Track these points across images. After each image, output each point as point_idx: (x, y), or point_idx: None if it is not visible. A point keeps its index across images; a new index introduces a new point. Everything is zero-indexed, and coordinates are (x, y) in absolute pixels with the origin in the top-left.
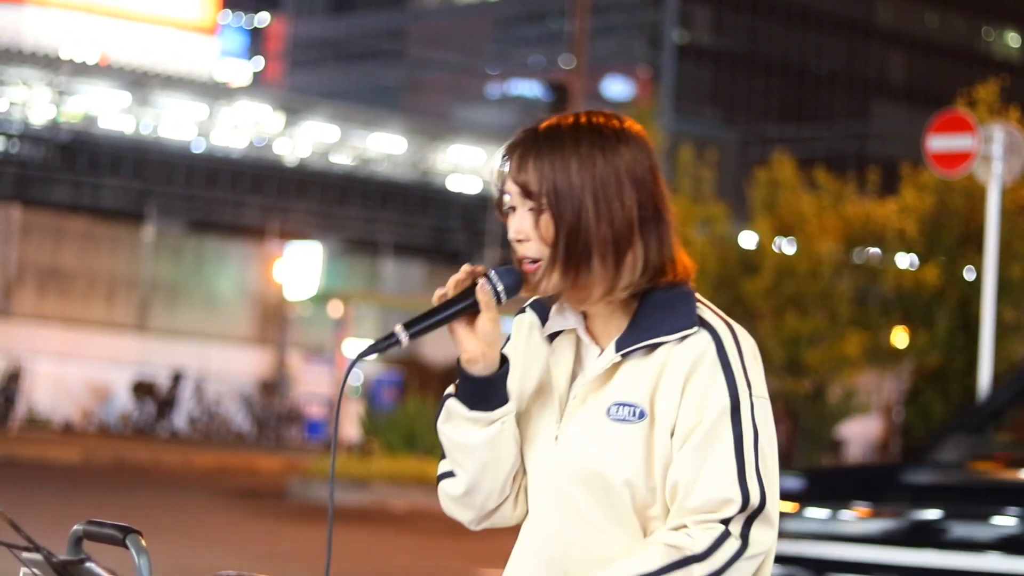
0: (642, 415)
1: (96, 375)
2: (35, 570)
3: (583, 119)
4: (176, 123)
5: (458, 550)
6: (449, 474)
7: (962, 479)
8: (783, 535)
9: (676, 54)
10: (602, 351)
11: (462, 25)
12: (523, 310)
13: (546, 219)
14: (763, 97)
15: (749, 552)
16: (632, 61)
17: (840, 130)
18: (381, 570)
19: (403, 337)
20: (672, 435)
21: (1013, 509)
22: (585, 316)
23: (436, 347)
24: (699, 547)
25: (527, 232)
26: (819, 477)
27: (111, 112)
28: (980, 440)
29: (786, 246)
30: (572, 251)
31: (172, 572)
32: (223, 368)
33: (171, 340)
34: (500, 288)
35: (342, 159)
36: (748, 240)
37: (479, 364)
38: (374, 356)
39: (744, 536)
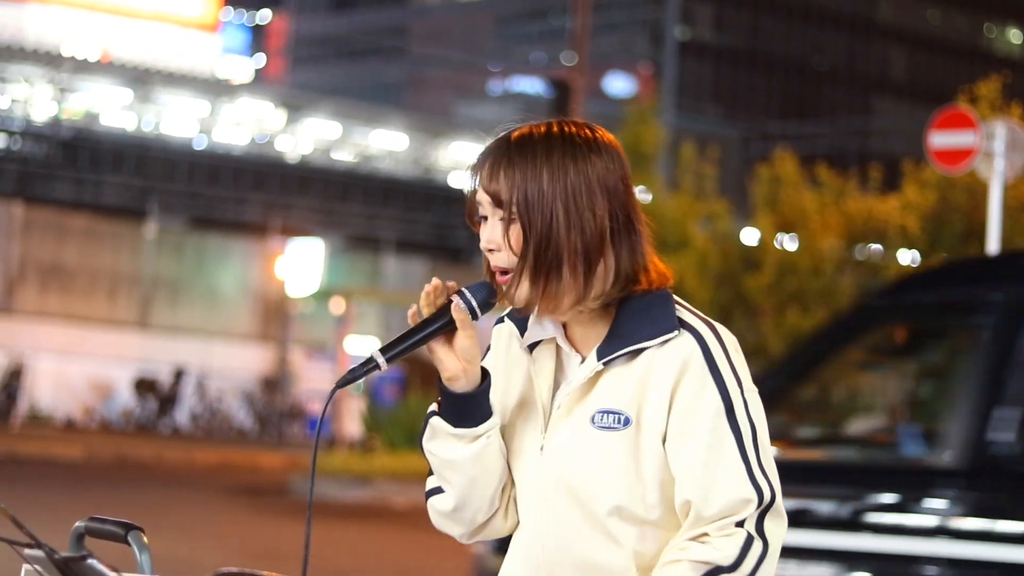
0: (627, 422)
1: (98, 372)
2: (37, 567)
3: (555, 128)
4: (178, 120)
5: (460, 547)
6: (437, 490)
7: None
8: None
9: (678, 51)
10: (583, 359)
11: (464, 22)
12: (501, 319)
13: (516, 229)
14: (765, 94)
15: (771, 549)
16: (634, 58)
17: (842, 127)
18: (383, 566)
19: (381, 362)
20: (664, 441)
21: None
22: (564, 325)
23: None
24: (727, 558)
25: (498, 242)
26: None
27: (113, 109)
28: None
29: (788, 243)
30: (541, 261)
31: (174, 569)
32: (225, 365)
33: (173, 337)
34: (475, 304)
35: (344, 156)
36: (750, 237)
37: (460, 381)
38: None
39: (761, 533)
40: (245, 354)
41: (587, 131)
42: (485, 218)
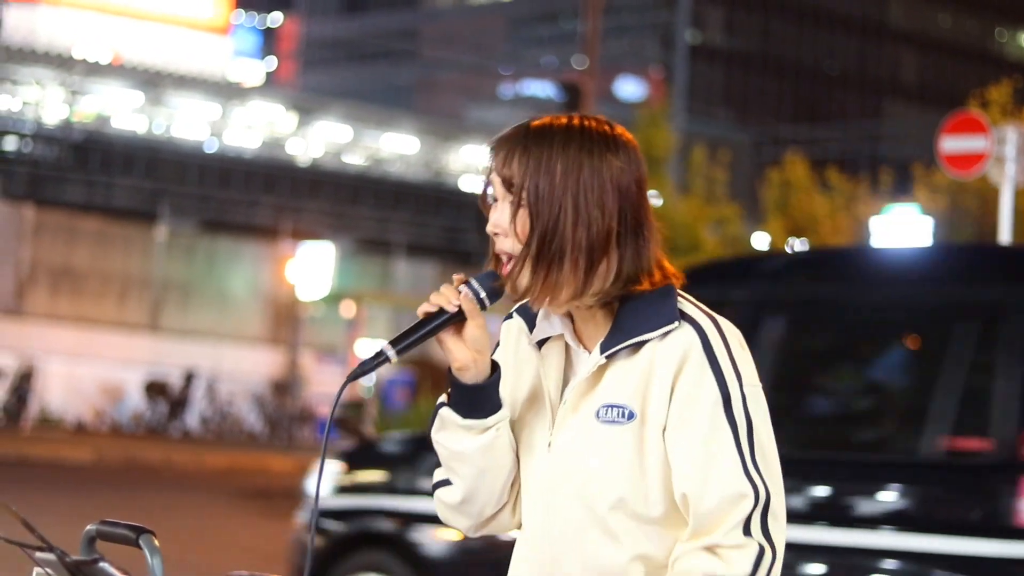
0: (631, 416)
1: (108, 375)
2: (49, 570)
3: (575, 122)
4: (189, 123)
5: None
6: (445, 483)
7: None
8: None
9: (689, 54)
10: (590, 355)
11: (475, 25)
12: (510, 315)
13: (524, 216)
14: (776, 98)
15: (778, 555)
16: (645, 62)
17: (853, 131)
18: None
19: (391, 354)
20: (664, 433)
21: None
22: (572, 321)
23: None
24: (739, 573)
25: (504, 227)
26: (412, 441)
27: (124, 112)
28: None
29: (799, 247)
30: (544, 251)
31: (184, 572)
32: (235, 368)
33: (183, 340)
34: (483, 294)
35: (355, 159)
36: (761, 241)
37: (470, 372)
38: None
39: (769, 540)
40: (255, 357)
41: (606, 128)
42: (495, 201)
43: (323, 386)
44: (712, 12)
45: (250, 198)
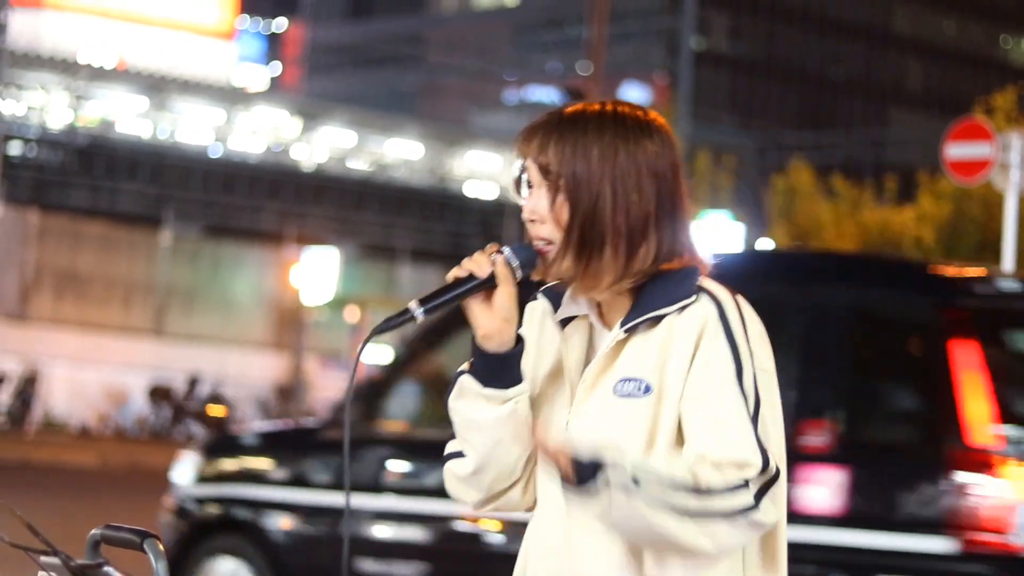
0: (647, 389)
1: (112, 379)
2: (53, 574)
3: (609, 108)
4: (193, 128)
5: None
6: (457, 455)
7: (355, 435)
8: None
9: (693, 61)
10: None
11: (480, 31)
12: (535, 297)
13: (561, 201)
14: (780, 104)
15: (756, 516)
16: (649, 67)
17: (857, 137)
18: None
19: (418, 313)
20: (680, 404)
21: (384, 455)
22: (598, 302)
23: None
24: (717, 485)
25: (542, 214)
26: (266, 435)
27: (128, 117)
28: (377, 404)
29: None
30: (586, 238)
31: None
32: (240, 373)
33: (188, 345)
34: (515, 264)
35: (359, 164)
36: (765, 247)
37: (494, 340)
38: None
39: (757, 498)
40: (260, 362)
41: (640, 113)
42: (530, 187)
43: (327, 391)
44: (717, 18)
45: (254, 203)
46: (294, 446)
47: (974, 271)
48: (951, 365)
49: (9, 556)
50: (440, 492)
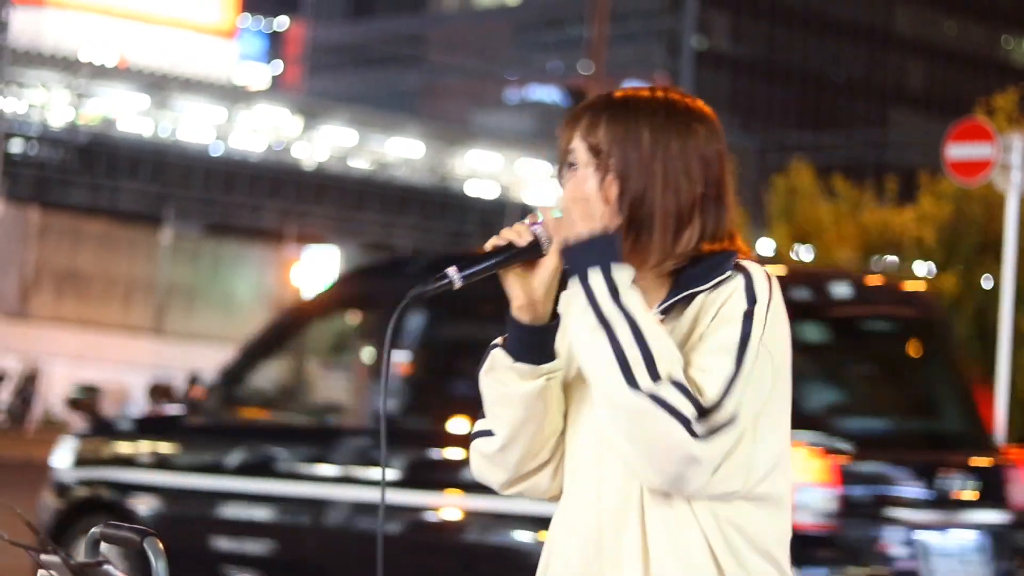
0: None
1: (113, 378)
2: (53, 572)
3: (659, 93)
4: (194, 126)
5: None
6: (485, 433)
7: (214, 421)
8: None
9: (694, 61)
10: None
11: (481, 30)
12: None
13: (610, 181)
14: (781, 104)
15: (697, 435)
16: (650, 67)
17: (858, 138)
18: None
19: (456, 279)
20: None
21: (247, 440)
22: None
23: None
24: (677, 378)
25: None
26: (143, 421)
27: (130, 115)
28: (235, 391)
29: (803, 254)
30: (635, 218)
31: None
32: None
33: (188, 343)
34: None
35: (360, 163)
36: (765, 247)
37: (530, 313)
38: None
39: (704, 427)
40: None
41: (688, 100)
42: (574, 166)
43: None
44: (718, 19)
45: (255, 202)
46: (159, 431)
47: None
48: None
49: (9, 554)
50: (290, 474)
